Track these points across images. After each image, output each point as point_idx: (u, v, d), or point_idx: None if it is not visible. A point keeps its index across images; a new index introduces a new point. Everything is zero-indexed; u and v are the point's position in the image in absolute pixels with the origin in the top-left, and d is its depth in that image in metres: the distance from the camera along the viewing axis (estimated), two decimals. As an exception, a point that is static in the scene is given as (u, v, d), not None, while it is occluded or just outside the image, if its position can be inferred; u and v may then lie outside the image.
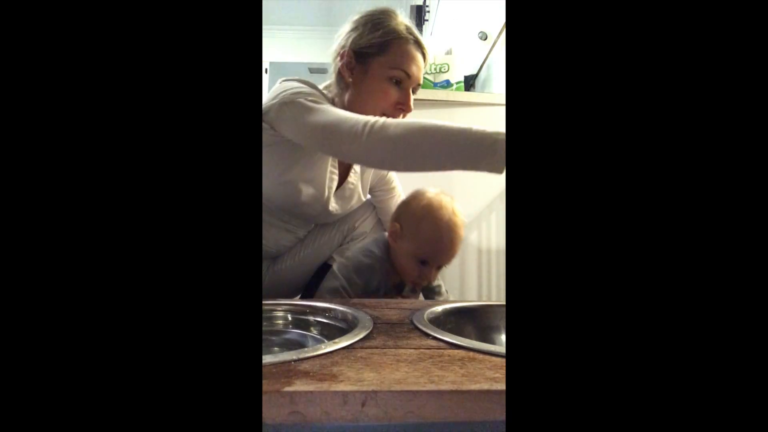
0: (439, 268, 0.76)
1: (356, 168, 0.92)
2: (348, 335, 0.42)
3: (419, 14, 1.68)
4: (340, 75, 0.85)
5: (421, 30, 1.67)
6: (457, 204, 0.76)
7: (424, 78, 1.45)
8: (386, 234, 0.81)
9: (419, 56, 0.84)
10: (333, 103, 0.84)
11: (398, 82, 0.82)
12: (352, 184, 0.91)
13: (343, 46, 0.84)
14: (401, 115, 0.85)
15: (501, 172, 0.59)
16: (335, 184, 0.87)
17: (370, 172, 0.96)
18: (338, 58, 0.85)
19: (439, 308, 0.56)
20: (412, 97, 0.85)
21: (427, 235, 0.72)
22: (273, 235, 0.88)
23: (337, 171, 0.86)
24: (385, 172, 0.99)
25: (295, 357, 0.35)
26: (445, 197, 0.76)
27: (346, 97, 0.85)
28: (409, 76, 0.83)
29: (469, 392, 0.30)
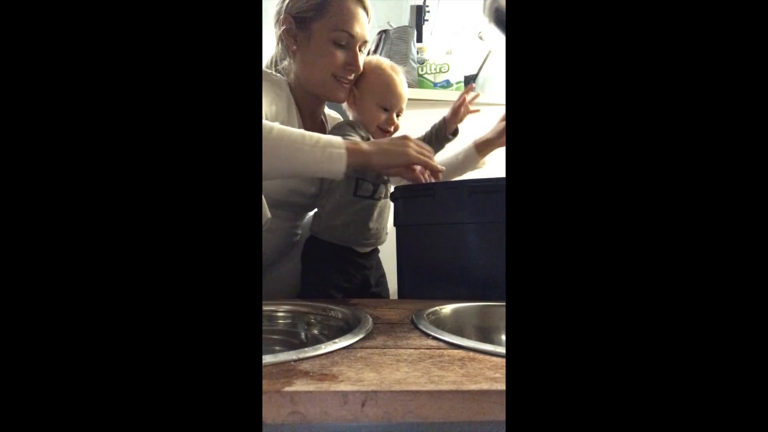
0: (398, 115, 0.88)
1: None
2: (348, 335, 0.42)
3: (419, 14, 1.68)
4: (284, 43, 0.83)
5: (421, 30, 1.67)
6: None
7: (425, 78, 1.45)
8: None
9: (361, 12, 0.81)
10: (288, 75, 0.85)
11: (343, 44, 0.81)
12: None
13: (280, 11, 0.82)
14: (351, 76, 0.84)
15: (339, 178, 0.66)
16: None
17: None
18: (277, 25, 0.83)
19: (439, 308, 0.56)
20: (361, 55, 0.84)
21: (380, 81, 0.86)
22: (268, 240, 0.87)
23: None
24: None
25: (295, 357, 0.35)
26: (383, 59, 0.91)
27: (295, 66, 0.84)
28: (352, 36, 0.80)
29: (469, 392, 0.30)
